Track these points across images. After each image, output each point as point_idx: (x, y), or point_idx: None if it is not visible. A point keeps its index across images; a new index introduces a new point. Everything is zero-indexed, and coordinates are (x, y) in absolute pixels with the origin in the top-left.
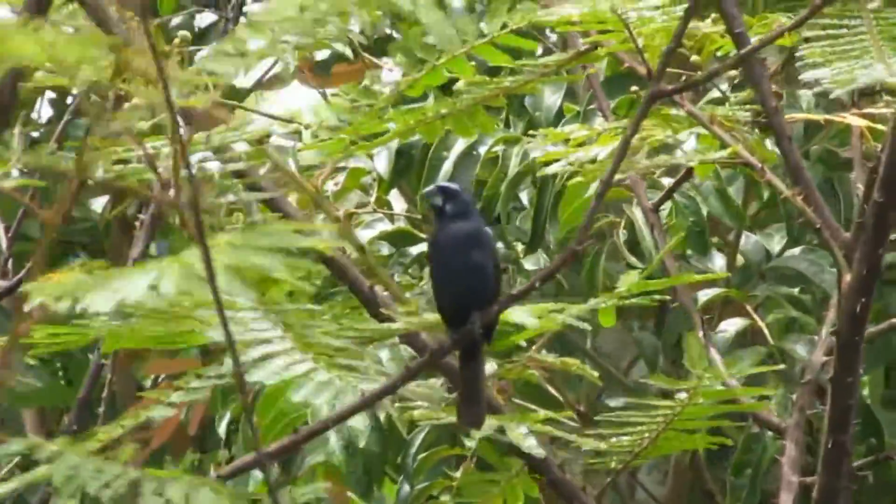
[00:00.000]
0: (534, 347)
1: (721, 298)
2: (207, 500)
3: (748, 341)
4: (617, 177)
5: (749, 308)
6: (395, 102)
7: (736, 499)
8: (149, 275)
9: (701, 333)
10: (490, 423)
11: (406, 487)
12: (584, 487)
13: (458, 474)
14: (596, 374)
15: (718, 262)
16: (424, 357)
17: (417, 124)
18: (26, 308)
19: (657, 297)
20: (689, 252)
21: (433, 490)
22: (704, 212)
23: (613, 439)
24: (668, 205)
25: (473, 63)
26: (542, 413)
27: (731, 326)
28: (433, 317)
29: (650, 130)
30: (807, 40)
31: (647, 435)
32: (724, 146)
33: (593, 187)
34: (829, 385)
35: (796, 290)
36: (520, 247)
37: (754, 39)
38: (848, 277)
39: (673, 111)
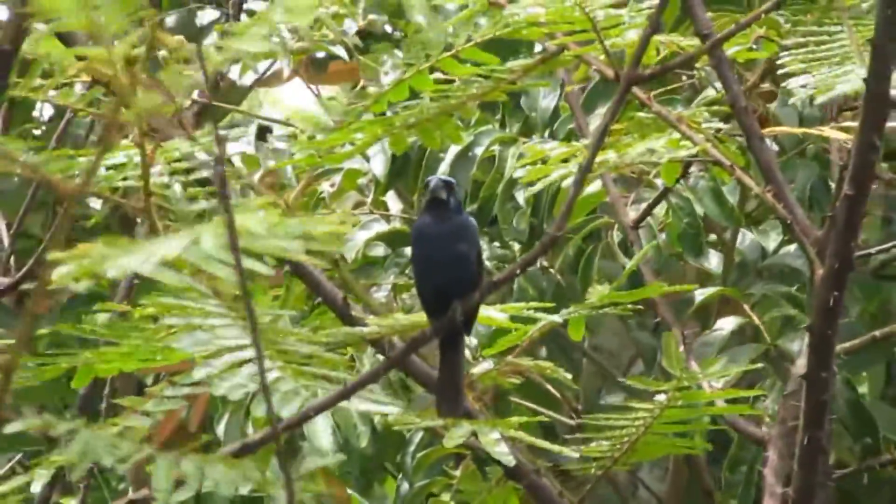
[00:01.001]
0: (514, 352)
1: (717, 296)
2: (220, 473)
3: (745, 339)
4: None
5: (745, 306)
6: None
7: (731, 496)
8: (182, 238)
9: (682, 347)
10: (464, 428)
11: (405, 485)
12: (562, 493)
13: (458, 472)
14: (570, 375)
15: (714, 260)
16: (405, 345)
17: (385, 134)
18: (50, 277)
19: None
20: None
21: (433, 488)
22: (700, 211)
23: (593, 444)
24: (664, 204)
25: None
26: (515, 419)
27: (727, 325)
28: (405, 320)
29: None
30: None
31: (626, 439)
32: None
33: (590, 189)
34: (803, 382)
35: (793, 288)
36: (517, 246)
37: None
38: (820, 272)
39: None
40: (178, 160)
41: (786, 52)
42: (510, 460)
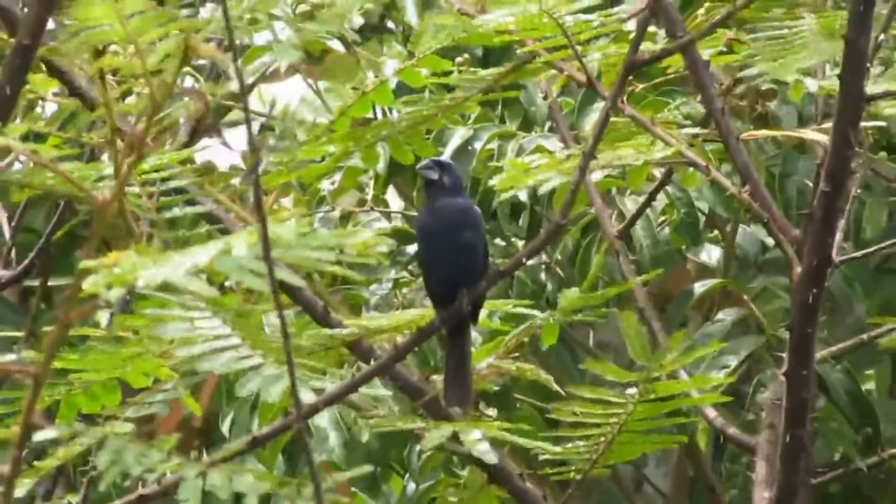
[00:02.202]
0: (500, 351)
1: (718, 289)
2: (248, 484)
3: (746, 331)
4: None
5: (746, 298)
6: None
7: (731, 486)
8: (213, 246)
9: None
10: (445, 429)
11: (412, 485)
12: (545, 496)
13: (465, 472)
14: (552, 377)
15: (715, 253)
16: (413, 336)
17: (356, 147)
18: (83, 286)
19: None
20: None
21: (439, 488)
22: (703, 206)
23: (570, 444)
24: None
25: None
26: (497, 423)
27: (728, 316)
28: (386, 323)
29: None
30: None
31: (602, 439)
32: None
33: (594, 176)
34: (784, 379)
35: None
36: (519, 243)
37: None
38: (798, 269)
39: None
40: (158, 169)
41: (752, 52)
42: (492, 459)
